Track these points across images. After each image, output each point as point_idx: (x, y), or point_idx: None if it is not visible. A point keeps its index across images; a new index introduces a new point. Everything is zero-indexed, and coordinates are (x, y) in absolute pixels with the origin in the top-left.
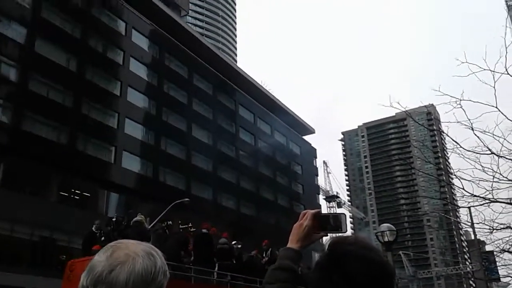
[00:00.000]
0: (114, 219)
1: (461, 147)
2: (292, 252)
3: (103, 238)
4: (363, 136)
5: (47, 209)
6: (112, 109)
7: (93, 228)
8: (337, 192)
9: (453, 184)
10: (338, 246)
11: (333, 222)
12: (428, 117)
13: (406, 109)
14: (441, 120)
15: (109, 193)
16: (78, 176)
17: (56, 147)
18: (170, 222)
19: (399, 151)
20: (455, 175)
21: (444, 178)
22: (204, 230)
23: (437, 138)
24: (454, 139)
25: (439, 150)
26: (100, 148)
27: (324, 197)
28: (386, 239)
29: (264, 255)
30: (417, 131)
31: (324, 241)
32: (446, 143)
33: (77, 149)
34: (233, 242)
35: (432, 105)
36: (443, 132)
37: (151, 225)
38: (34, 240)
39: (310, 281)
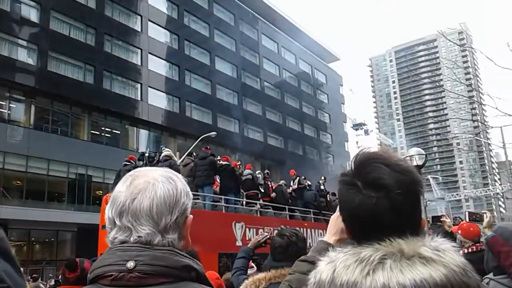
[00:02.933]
0: (146, 154)
1: (495, 64)
2: (325, 245)
3: None
4: (391, 61)
5: (80, 148)
6: (134, 46)
7: (123, 165)
8: (364, 120)
9: (485, 104)
10: (361, 155)
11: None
12: (460, 36)
13: (437, 28)
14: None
15: (138, 130)
16: (107, 114)
17: (83, 87)
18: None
19: (429, 73)
20: (488, 94)
21: (476, 97)
22: (224, 162)
23: (468, 59)
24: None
25: (470, 70)
26: (126, 86)
27: (351, 125)
28: (415, 163)
29: (291, 184)
30: (448, 52)
31: None
32: (477, 63)
33: (104, 88)
34: (258, 172)
35: (464, 24)
36: (475, 51)
37: (181, 159)
38: (71, 177)
39: (339, 194)
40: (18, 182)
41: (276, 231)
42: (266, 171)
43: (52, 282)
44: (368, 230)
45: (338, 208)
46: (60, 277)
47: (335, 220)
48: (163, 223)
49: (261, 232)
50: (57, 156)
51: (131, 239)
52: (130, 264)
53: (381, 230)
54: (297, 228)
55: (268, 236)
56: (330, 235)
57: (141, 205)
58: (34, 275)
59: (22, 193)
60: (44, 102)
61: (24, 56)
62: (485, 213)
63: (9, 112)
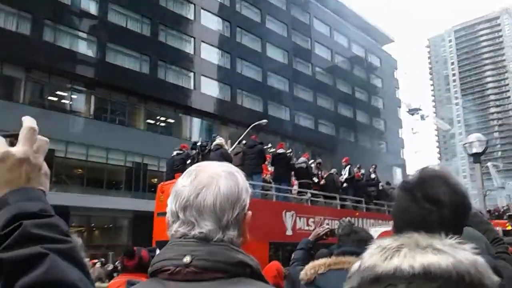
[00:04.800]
0: (199, 144)
1: None
2: None
3: (189, 161)
4: (450, 41)
5: (136, 137)
6: (187, 34)
7: (174, 154)
8: (420, 105)
9: None
10: (427, 171)
11: None
12: None
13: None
14: None
15: (191, 119)
16: (162, 104)
17: (140, 77)
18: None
19: (491, 54)
20: None
21: None
22: (280, 150)
23: None
24: None
25: None
26: (179, 75)
27: (406, 110)
28: (474, 150)
29: (343, 172)
30: None
31: None
32: None
33: (159, 77)
34: (311, 161)
35: None
36: None
37: (233, 147)
38: (128, 166)
39: (394, 197)
40: (79, 170)
41: (327, 222)
42: (319, 160)
43: (110, 267)
44: (409, 228)
45: None
46: (117, 263)
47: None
48: (225, 219)
49: (323, 225)
50: (115, 145)
51: (192, 233)
52: (187, 259)
53: (418, 228)
54: (349, 218)
55: (329, 229)
56: None
57: (205, 200)
58: (102, 260)
59: (82, 181)
60: (103, 92)
61: (84, 48)
62: None
63: (71, 103)
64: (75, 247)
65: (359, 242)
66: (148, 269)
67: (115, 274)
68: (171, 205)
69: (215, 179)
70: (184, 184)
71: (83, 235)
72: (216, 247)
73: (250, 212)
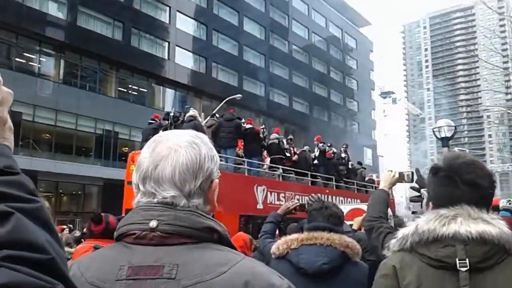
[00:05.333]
0: (172, 114)
1: None
2: (385, 192)
3: (161, 131)
4: (425, 27)
5: (107, 104)
6: (163, 3)
7: (149, 122)
8: (392, 88)
9: None
10: (460, 159)
11: (407, 177)
12: (500, 4)
13: None
14: None
15: (164, 89)
16: (134, 72)
17: (112, 43)
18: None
19: (464, 42)
20: None
21: (511, 68)
22: (248, 125)
23: (507, 28)
24: None
25: (508, 41)
26: (153, 44)
27: (379, 93)
28: (443, 134)
29: (315, 150)
30: (485, 20)
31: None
32: None
33: (132, 45)
34: (288, 137)
35: None
36: None
37: (206, 120)
38: (98, 133)
39: (428, 183)
40: (47, 135)
41: (298, 198)
42: (290, 136)
43: (77, 233)
44: (452, 205)
45: (388, 173)
46: (85, 230)
47: (389, 176)
48: (186, 189)
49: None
50: (85, 112)
51: (155, 200)
52: (153, 223)
53: (460, 204)
54: (319, 194)
55: (299, 204)
56: (383, 184)
57: (163, 172)
58: (69, 226)
59: (51, 146)
60: (73, 57)
61: (54, 10)
62: None
63: (39, 65)
64: (42, 207)
65: (330, 217)
66: (114, 233)
67: (82, 240)
68: (133, 177)
69: (173, 150)
70: (144, 156)
71: (51, 201)
72: (183, 212)
73: (217, 180)
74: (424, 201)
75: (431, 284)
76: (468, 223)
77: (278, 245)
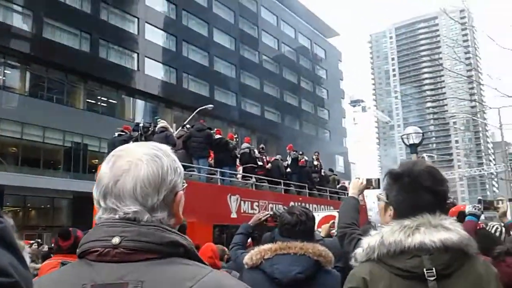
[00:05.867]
0: (141, 125)
1: (497, 44)
2: (355, 199)
3: (131, 143)
4: (391, 37)
5: (76, 117)
6: (131, 14)
7: (116, 135)
8: (362, 97)
9: (483, 84)
10: (417, 166)
11: (375, 183)
12: (462, 14)
13: (439, 6)
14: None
15: (134, 100)
16: (103, 83)
17: (79, 55)
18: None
19: (428, 52)
20: (488, 74)
21: (474, 77)
22: (217, 136)
23: (469, 37)
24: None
25: (470, 50)
26: (122, 55)
27: (349, 102)
28: (411, 141)
29: (288, 158)
30: (449, 30)
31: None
32: (477, 43)
33: (100, 56)
34: (260, 146)
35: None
36: (476, 30)
37: (177, 131)
38: (67, 146)
39: (388, 188)
40: (14, 148)
41: (272, 206)
42: (261, 145)
43: (45, 248)
44: (412, 213)
45: (356, 182)
46: (53, 245)
47: (357, 184)
48: (149, 203)
49: (264, 210)
50: (52, 124)
51: (117, 216)
52: (115, 240)
53: (421, 212)
54: (292, 204)
55: (270, 214)
56: (352, 191)
57: (124, 187)
58: (38, 240)
59: (17, 160)
60: (39, 69)
61: (19, 22)
62: (500, 200)
63: (4, 78)
64: (6, 228)
65: (303, 233)
66: (77, 251)
67: (51, 255)
68: (94, 193)
69: (134, 164)
70: (104, 171)
71: (18, 215)
72: (146, 228)
73: (181, 192)
74: (380, 204)
75: None
76: (430, 231)
77: (252, 255)
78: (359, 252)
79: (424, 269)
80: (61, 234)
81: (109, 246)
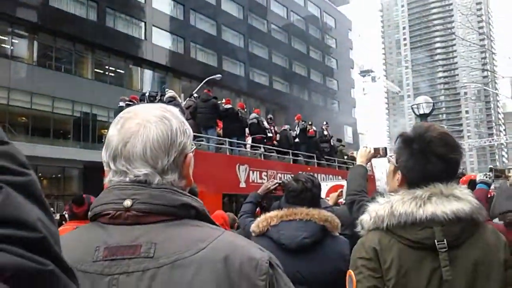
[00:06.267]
0: (147, 95)
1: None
2: (363, 167)
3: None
4: (403, 6)
5: (84, 86)
6: None
7: (121, 103)
8: (371, 67)
9: (496, 53)
10: (421, 128)
11: (382, 152)
12: None
13: None
14: None
15: (142, 70)
16: (111, 53)
17: (87, 24)
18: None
19: (441, 20)
20: (501, 42)
21: (487, 46)
22: (227, 106)
23: (483, 6)
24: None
25: (483, 18)
26: (129, 24)
27: (358, 72)
28: (422, 111)
29: (296, 128)
30: None
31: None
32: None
33: (107, 25)
34: (268, 117)
35: None
36: None
37: (185, 101)
38: (76, 116)
39: (398, 152)
40: (23, 118)
41: (280, 176)
42: (270, 116)
43: (57, 217)
44: (423, 181)
45: (364, 149)
46: (66, 212)
47: (365, 152)
48: (159, 165)
49: (272, 179)
50: (61, 94)
51: (127, 179)
52: (127, 203)
53: (432, 181)
54: (311, 174)
55: (278, 183)
56: (360, 160)
57: (134, 149)
58: (51, 209)
59: (27, 130)
60: (47, 38)
61: None
62: (511, 168)
63: (12, 48)
64: (35, 181)
65: (310, 200)
66: (88, 213)
67: (64, 223)
68: (103, 155)
69: (143, 126)
70: (113, 133)
71: None
72: (158, 190)
73: (191, 154)
74: (390, 166)
75: (412, 265)
76: (442, 202)
77: (258, 223)
78: (366, 219)
79: (436, 241)
80: (75, 201)
81: (120, 209)
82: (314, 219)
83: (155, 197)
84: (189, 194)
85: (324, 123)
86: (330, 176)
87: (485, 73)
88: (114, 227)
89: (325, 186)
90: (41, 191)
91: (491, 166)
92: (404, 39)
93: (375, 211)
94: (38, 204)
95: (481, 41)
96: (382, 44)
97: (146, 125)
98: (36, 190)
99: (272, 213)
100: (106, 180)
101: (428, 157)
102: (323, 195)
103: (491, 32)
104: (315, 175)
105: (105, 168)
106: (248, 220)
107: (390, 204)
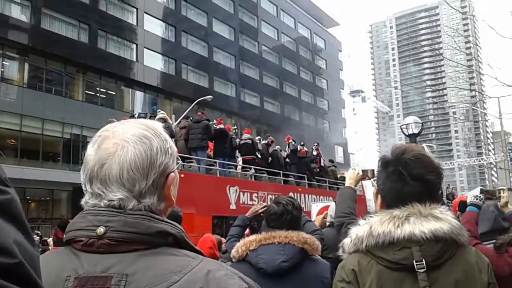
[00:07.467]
0: (136, 116)
1: (497, 33)
2: (352, 189)
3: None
4: (391, 27)
5: (75, 108)
6: (130, 4)
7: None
8: (361, 87)
9: (483, 74)
10: (408, 153)
11: (370, 174)
12: (463, 3)
13: None
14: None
15: (133, 92)
16: (102, 74)
17: (78, 46)
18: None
19: (429, 41)
20: (488, 63)
21: (474, 66)
22: (219, 126)
23: (469, 27)
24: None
25: (471, 39)
26: (121, 46)
27: (348, 92)
28: (410, 131)
29: (286, 149)
30: (449, 19)
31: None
32: (478, 32)
33: (99, 47)
34: (257, 138)
35: None
36: (477, 19)
37: (177, 121)
38: (66, 137)
39: (378, 175)
40: (13, 141)
41: (271, 197)
42: (271, 138)
43: (37, 238)
44: (401, 202)
45: (353, 172)
46: (52, 237)
47: (353, 173)
48: (136, 189)
49: (260, 202)
50: (51, 116)
51: (102, 203)
52: (100, 230)
53: (410, 201)
54: (291, 195)
55: (267, 206)
56: (349, 181)
57: (110, 172)
58: (37, 232)
59: (16, 152)
60: (38, 60)
61: (17, 12)
62: (502, 189)
63: (2, 69)
64: (13, 200)
65: (289, 222)
66: (63, 237)
67: (49, 248)
68: (81, 176)
69: (120, 146)
70: (90, 153)
71: None
72: (133, 217)
73: (173, 174)
74: (373, 190)
75: (391, 286)
76: (420, 221)
77: (237, 248)
78: (347, 242)
79: (414, 261)
80: (61, 226)
81: (93, 237)
82: (293, 241)
83: (129, 224)
84: (167, 220)
85: (315, 144)
86: (321, 196)
87: (473, 93)
88: (86, 255)
89: (315, 207)
90: (21, 210)
91: (482, 188)
92: (393, 59)
93: (355, 233)
94: (16, 224)
95: (469, 61)
96: (372, 64)
97: (123, 146)
98: (14, 209)
99: (251, 237)
100: (82, 201)
101: (403, 178)
102: (313, 216)
103: (479, 52)
104: (306, 195)
105: (83, 189)
106: (235, 244)
107: (370, 225)
